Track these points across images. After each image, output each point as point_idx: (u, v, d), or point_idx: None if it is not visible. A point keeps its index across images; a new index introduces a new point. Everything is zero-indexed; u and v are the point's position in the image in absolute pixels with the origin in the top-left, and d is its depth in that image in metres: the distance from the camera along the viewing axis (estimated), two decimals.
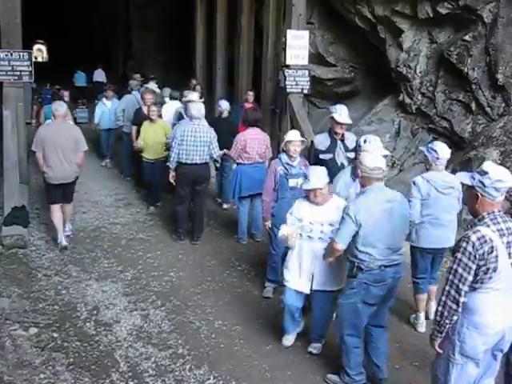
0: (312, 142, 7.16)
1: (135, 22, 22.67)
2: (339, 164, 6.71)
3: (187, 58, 16.78)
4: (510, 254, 3.62)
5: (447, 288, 3.67)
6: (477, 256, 3.52)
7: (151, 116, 9.40)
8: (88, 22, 29.08)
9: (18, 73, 9.30)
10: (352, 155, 6.68)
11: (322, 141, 6.89)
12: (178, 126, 8.65)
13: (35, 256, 7.43)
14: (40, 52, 45.31)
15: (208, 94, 14.03)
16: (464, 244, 3.58)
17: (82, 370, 4.98)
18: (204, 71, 15.91)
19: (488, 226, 3.59)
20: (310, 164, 6.41)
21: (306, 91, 11.16)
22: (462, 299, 3.62)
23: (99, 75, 20.20)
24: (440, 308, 3.72)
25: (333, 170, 6.32)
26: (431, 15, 10.07)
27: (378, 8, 10.90)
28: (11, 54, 9.18)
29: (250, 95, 11.57)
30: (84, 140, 7.78)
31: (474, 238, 3.54)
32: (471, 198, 3.70)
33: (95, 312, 6.03)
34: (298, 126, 10.60)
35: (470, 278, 3.57)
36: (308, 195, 5.22)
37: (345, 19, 11.96)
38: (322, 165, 5.93)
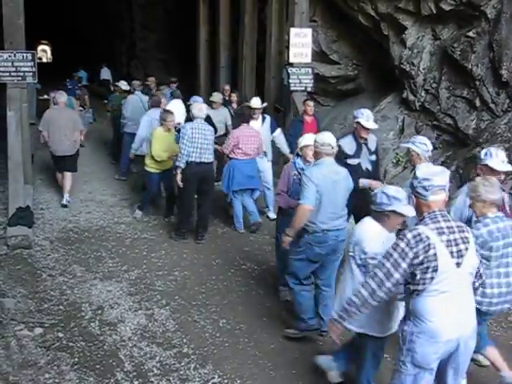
0: (338, 145, 6.56)
1: (138, 22, 22.70)
2: (364, 169, 6.57)
3: (190, 58, 16.78)
4: (452, 252, 3.48)
5: (369, 280, 3.60)
6: (409, 254, 3.43)
7: (168, 126, 8.74)
8: (92, 22, 29.11)
9: (22, 74, 9.29)
10: (374, 158, 6.72)
11: (348, 145, 6.53)
12: (183, 126, 8.64)
13: (40, 256, 7.44)
14: (44, 52, 45.54)
15: (211, 91, 14.00)
16: (399, 241, 3.52)
17: (86, 369, 4.99)
18: (207, 70, 15.92)
19: (427, 224, 3.52)
20: None
21: (309, 89, 11.16)
22: (380, 294, 3.54)
23: (105, 73, 20.36)
24: (353, 297, 3.68)
25: (358, 176, 6.25)
26: (434, 12, 10.04)
27: (381, 5, 10.88)
28: (14, 55, 9.18)
29: (311, 106, 9.64)
30: (80, 121, 10.02)
31: (409, 235, 3.47)
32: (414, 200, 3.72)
33: (100, 312, 6.04)
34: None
35: (397, 276, 3.48)
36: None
37: (348, 17, 11.94)
38: (348, 170, 5.71)
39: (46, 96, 17.30)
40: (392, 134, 10.74)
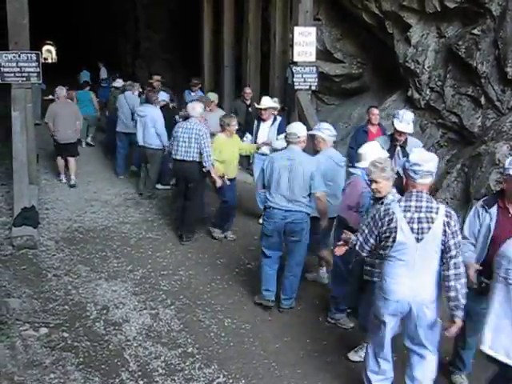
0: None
1: (143, 22, 22.71)
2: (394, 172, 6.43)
3: (195, 57, 16.77)
4: (412, 228, 4.00)
5: (356, 240, 4.39)
6: (378, 223, 4.11)
7: (232, 130, 8.19)
8: (97, 22, 29.16)
9: (26, 74, 9.31)
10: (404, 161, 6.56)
11: (381, 144, 6.25)
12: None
13: (45, 256, 7.45)
14: (49, 53, 45.67)
15: (216, 91, 14.00)
16: (374, 212, 4.27)
17: (91, 369, 4.99)
18: (211, 69, 15.90)
19: (399, 201, 4.13)
20: None
21: (313, 88, 11.14)
22: (362, 253, 4.38)
23: (104, 72, 20.67)
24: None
25: None
26: (439, 9, 10.00)
27: (385, 3, 10.85)
28: (19, 56, 9.20)
29: (376, 114, 8.65)
30: (79, 113, 11.27)
31: (382, 208, 4.19)
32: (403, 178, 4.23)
33: (105, 311, 6.04)
34: (306, 122, 10.57)
35: (372, 240, 4.23)
36: None
37: (352, 15, 11.91)
38: None
39: (50, 96, 17.43)
40: None
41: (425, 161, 4.05)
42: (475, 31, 9.39)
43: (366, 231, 4.24)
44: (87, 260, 7.40)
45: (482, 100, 9.23)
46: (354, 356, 5.29)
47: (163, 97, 11.00)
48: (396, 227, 4.02)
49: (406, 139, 6.78)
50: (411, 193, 4.07)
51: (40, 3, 20.22)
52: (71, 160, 10.86)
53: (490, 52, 9.15)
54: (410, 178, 4.08)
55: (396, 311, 4.19)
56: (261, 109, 9.03)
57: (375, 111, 8.67)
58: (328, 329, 5.86)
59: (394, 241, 4.05)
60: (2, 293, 6.25)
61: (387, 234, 4.07)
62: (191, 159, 7.89)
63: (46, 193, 10.18)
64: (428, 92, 10.26)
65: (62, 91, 11.00)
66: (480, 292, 4.35)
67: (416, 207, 4.02)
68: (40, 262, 7.28)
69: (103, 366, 5.05)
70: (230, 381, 4.92)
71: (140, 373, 4.98)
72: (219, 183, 7.85)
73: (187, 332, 5.69)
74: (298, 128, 6.08)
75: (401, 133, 6.67)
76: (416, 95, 10.48)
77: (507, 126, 8.54)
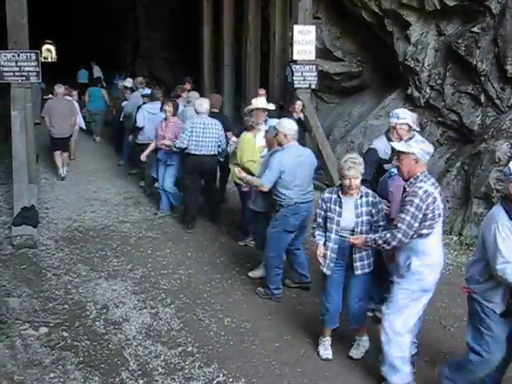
0: (371, 149, 6.13)
1: (143, 21, 22.69)
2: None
3: (194, 56, 16.77)
4: (442, 201, 4.42)
5: (395, 232, 4.37)
6: (422, 206, 4.27)
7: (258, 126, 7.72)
8: (97, 21, 29.12)
9: (26, 73, 9.34)
10: None
11: (383, 148, 5.86)
12: (187, 120, 8.68)
13: (45, 255, 7.45)
14: (49, 52, 45.63)
15: (216, 90, 14.02)
16: (412, 197, 4.31)
17: (91, 368, 4.98)
18: (211, 69, 15.90)
19: (425, 182, 4.37)
20: (372, 177, 5.76)
21: (313, 86, 11.16)
22: (404, 239, 4.37)
23: (98, 71, 21.02)
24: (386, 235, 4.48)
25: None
26: (438, 7, 10.00)
27: (385, 1, 10.85)
28: (18, 55, 9.22)
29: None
30: (76, 109, 12.01)
31: (419, 192, 4.30)
32: (410, 161, 4.41)
33: (105, 311, 6.03)
34: (306, 121, 10.58)
35: (416, 224, 4.30)
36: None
37: (351, 13, 11.91)
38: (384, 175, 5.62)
39: (50, 95, 17.48)
40: None
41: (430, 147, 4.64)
42: (475, 29, 9.39)
43: (408, 218, 4.29)
44: (87, 259, 7.40)
45: (482, 98, 9.23)
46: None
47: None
48: (438, 204, 4.33)
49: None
50: (424, 172, 4.43)
51: (40, 2, 20.20)
52: (65, 154, 11.44)
53: (490, 50, 9.14)
54: (424, 160, 4.46)
55: (438, 277, 4.57)
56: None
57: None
58: None
59: (439, 215, 4.36)
60: (2, 292, 6.24)
61: (435, 212, 4.31)
62: (212, 153, 8.32)
63: (45, 192, 10.19)
64: (428, 90, 10.26)
65: (59, 89, 11.48)
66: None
67: (435, 183, 4.47)
68: (40, 261, 7.27)
69: (103, 365, 5.04)
70: (230, 380, 4.90)
71: (140, 372, 4.97)
72: (256, 182, 6.58)
73: (187, 331, 5.68)
74: (293, 124, 6.33)
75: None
76: (416, 93, 10.48)
77: (507, 124, 8.54)
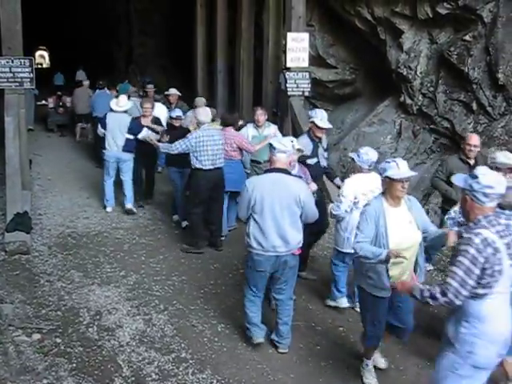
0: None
1: (136, 27, 22.71)
2: (322, 167, 6.87)
3: (188, 62, 16.81)
4: (510, 255, 3.56)
5: (446, 290, 3.49)
6: (479, 259, 3.40)
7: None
8: (91, 27, 29.12)
9: (19, 79, 9.34)
10: (326, 155, 7.17)
11: (305, 145, 6.66)
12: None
13: (38, 262, 7.44)
14: (42, 58, 45.52)
15: (209, 96, 14.05)
16: (467, 247, 3.45)
17: (85, 375, 4.98)
18: (205, 75, 15.94)
19: (486, 228, 3.50)
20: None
21: (306, 93, 11.17)
22: (456, 302, 3.49)
23: (81, 75, 21.34)
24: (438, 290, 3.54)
25: (318, 174, 6.41)
26: (431, 16, 10.07)
27: (378, 9, 10.91)
28: (12, 61, 9.22)
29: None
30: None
31: (475, 240, 3.43)
32: (463, 200, 3.69)
33: (98, 317, 6.03)
34: (299, 128, 10.61)
35: (471, 282, 3.44)
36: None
37: (344, 21, 11.97)
38: (308, 169, 6.39)
39: (43, 101, 17.53)
40: (389, 138, 10.77)
41: (498, 182, 3.60)
42: (467, 37, 9.47)
43: (461, 273, 3.44)
44: (80, 265, 7.39)
45: (474, 106, 9.30)
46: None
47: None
48: (501, 258, 3.46)
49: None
50: (489, 216, 3.57)
51: (34, 9, 20.22)
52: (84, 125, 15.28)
53: (482, 58, 9.22)
54: (478, 201, 3.58)
55: (503, 351, 3.67)
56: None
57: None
58: (321, 334, 5.88)
59: (500, 273, 3.47)
60: None
61: (494, 268, 3.45)
62: (221, 165, 7.89)
63: (38, 198, 10.16)
64: (420, 98, 10.32)
65: (85, 80, 15.93)
66: None
67: (503, 230, 3.60)
68: (33, 267, 7.26)
69: (96, 372, 5.04)
70: None
71: (133, 378, 4.97)
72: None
73: (180, 337, 5.68)
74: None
75: (323, 130, 6.98)
76: (408, 101, 10.54)
77: (499, 132, 8.62)
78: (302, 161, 6.42)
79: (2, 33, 9.07)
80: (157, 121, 9.99)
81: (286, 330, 5.46)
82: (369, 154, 5.86)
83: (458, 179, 3.74)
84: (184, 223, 8.70)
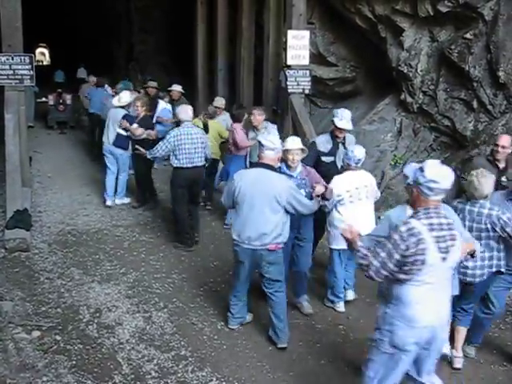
0: (313, 142, 7.21)
1: (137, 25, 22.69)
2: (339, 167, 6.82)
3: (189, 60, 16.79)
4: (439, 248, 3.65)
5: (372, 259, 3.74)
6: (401, 246, 3.62)
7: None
8: (91, 24, 29.10)
9: (20, 77, 9.35)
10: None
11: (323, 143, 6.98)
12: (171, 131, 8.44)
13: (38, 259, 7.44)
14: (43, 55, 45.49)
15: (209, 94, 14.06)
16: (393, 233, 3.73)
17: (84, 372, 4.98)
18: (205, 72, 15.93)
19: (420, 219, 3.68)
20: (309, 165, 6.33)
21: (307, 91, 11.15)
22: (378, 279, 3.78)
23: (81, 73, 22.03)
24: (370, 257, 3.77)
25: (332, 173, 6.43)
26: (431, 13, 10.04)
27: (378, 7, 10.88)
28: (12, 58, 9.22)
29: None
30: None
31: (402, 229, 3.66)
32: (411, 191, 3.93)
33: (98, 314, 6.03)
34: (299, 126, 10.61)
35: (390, 265, 3.67)
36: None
37: (345, 19, 11.95)
38: (322, 167, 6.56)
39: (44, 99, 17.52)
40: (390, 136, 10.75)
41: (444, 177, 3.68)
42: (467, 35, 9.44)
43: (383, 255, 3.69)
44: (80, 263, 7.39)
45: (475, 104, 9.28)
46: None
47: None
48: (425, 248, 3.60)
49: (345, 137, 7.11)
50: (429, 209, 3.70)
51: (34, 6, 20.20)
52: None
53: (483, 56, 9.20)
54: (423, 194, 3.71)
55: (421, 339, 3.80)
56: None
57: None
58: (320, 332, 5.88)
59: (423, 263, 3.62)
60: None
61: (415, 257, 3.61)
62: (200, 164, 8.03)
63: (38, 195, 10.17)
64: (421, 96, 10.30)
65: (92, 78, 15.03)
66: None
67: (438, 224, 3.68)
68: (33, 264, 7.26)
69: (96, 369, 5.04)
70: (223, 383, 4.92)
71: (133, 376, 4.97)
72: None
73: (180, 335, 5.68)
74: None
75: (341, 130, 6.95)
76: (409, 99, 10.52)
77: (499, 130, 8.59)
78: (317, 157, 6.81)
79: (2, 30, 9.07)
80: (146, 120, 9.80)
81: (281, 325, 5.49)
82: (354, 152, 6.16)
83: (408, 170, 3.99)
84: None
